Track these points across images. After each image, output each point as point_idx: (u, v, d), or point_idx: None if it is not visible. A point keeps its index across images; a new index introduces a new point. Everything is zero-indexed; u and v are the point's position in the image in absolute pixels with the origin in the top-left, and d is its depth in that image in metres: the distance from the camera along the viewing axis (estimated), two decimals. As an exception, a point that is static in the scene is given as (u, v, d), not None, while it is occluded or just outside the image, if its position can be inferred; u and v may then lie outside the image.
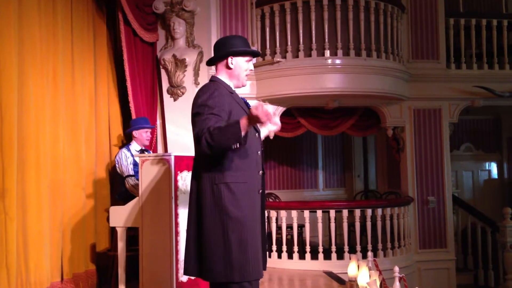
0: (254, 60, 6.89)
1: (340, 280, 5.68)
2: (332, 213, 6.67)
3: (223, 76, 3.11)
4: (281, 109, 7.06)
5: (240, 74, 3.12)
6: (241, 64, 3.11)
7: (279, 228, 6.84)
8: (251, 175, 2.99)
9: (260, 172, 3.09)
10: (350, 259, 4.72)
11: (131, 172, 5.22)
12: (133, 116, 5.84)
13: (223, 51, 3.09)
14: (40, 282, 4.50)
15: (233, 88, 3.11)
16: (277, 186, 9.24)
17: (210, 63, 3.21)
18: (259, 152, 3.08)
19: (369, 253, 5.15)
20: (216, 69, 3.15)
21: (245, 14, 6.88)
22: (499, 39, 7.76)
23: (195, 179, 3.04)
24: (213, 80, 3.10)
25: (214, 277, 2.89)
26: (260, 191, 3.06)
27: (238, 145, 2.78)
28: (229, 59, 3.08)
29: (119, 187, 5.40)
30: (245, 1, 6.87)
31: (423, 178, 7.53)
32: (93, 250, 5.48)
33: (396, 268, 3.91)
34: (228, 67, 3.09)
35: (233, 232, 2.85)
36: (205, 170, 2.96)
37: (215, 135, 2.75)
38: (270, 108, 2.90)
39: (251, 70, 3.18)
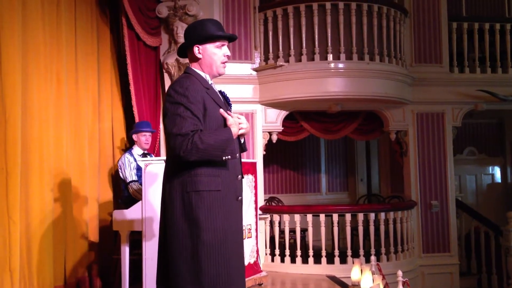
0: (257, 62, 6.91)
1: (343, 285, 5.67)
2: (335, 217, 6.66)
3: (196, 67, 2.78)
4: (283, 113, 7.06)
5: (212, 63, 2.76)
6: (211, 52, 2.74)
7: (282, 232, 6.83)
8: (227, 181, 2.69)
9: (239, 176, 2.79)
10: (353, 263, 4.71)
11: (134, 178, 5.23)
12: (136, 120, 5.85)
13: (189, 40, 2.77)
14: (43, 286, 4.50)
15: (209, 81, 2.79)
16: (280, 190, 9.23)
17: (181, 54, 2.88)
18: (237, 154, 2.76)
19: (372, 257, 5.15)
20: (189, 60, 2.85)
21: (248, 18, 6.89)
22: (502, 43, 7.75)
23: (165, 184, 2.74)
24: (188, 72, 2.78)
25: None
26: (240, 198, 2.78)
27: (229, 157, 2.61)
28: (195, 48, 2.74)
29: (122, 192, 5.41)
30: (248, 5, 6.88)
31: (426, 182, 7.51)
32: (96, 254, 5.48)
33: (400, 272, 3.91)
34: (196, 58, 2.77)
35: (203, 246, 2.57)
36: (175, 174, 2.66)
37: (206, 144, 2.54)
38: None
39: (228, 55, 2.81)
